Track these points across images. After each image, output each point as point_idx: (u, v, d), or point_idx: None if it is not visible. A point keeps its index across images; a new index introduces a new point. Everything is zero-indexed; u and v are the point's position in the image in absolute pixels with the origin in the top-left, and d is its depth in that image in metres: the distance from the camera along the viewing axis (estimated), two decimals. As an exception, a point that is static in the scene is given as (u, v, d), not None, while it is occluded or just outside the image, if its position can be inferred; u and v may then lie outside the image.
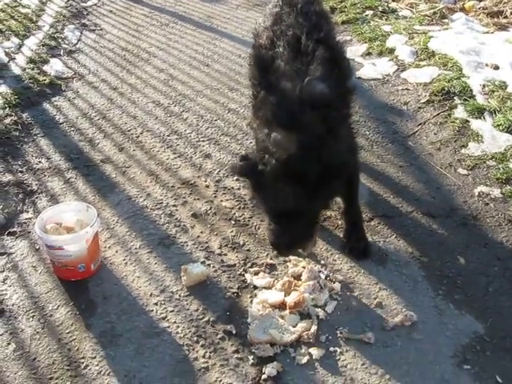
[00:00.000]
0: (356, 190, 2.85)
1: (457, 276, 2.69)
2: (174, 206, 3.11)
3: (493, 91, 4.06)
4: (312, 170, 2.21)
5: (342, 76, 2.75)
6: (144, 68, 4.81)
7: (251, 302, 2.50)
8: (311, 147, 2.26)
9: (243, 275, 2.65)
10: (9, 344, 2.32)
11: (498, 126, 3.71)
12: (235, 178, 3.14)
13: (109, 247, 2.83)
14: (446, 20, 5.46)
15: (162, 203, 3.13)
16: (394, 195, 3.21)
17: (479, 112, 3.88)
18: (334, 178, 2.31)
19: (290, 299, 2.45)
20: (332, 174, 2.27)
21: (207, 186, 3.27)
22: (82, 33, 5.65)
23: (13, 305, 2.51)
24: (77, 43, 5.36)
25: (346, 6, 6.04)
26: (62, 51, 5.12)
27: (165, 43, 5.35)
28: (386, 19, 5.66)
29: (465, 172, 3.41)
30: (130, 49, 5.23)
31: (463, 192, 3.25)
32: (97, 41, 5.46)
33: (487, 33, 5.05)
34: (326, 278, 2.62)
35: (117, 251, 2.81)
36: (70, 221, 2.71)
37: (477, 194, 3.23)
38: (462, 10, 5.74)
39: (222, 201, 3.14)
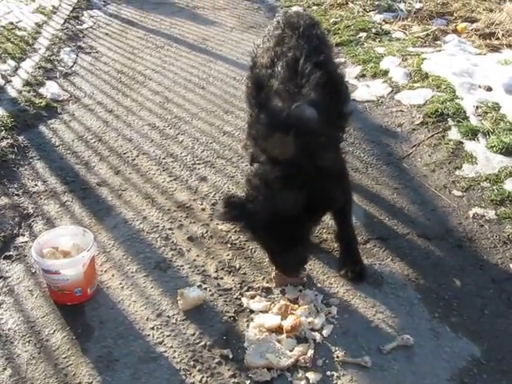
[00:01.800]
0: (348, 214, 2.87)
1: (453, 298, 2.69)
2: (170, 229, 3.11)
3: (486, 113, 4.11)
4: (295, 206, 2.24)
5: (338, 101, 2.79)
6: (139, 90, 4.84)
7: (248, 326, 2.49)
8: (294, 179, 2.30)
9: (240, 299, 2.65)
10: (5, 369, 2.31)
11: (492, 147, 3.74)
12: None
13: (105, 271, 2.83)
14: (438, 42, 5.53)
15: (158, 226, 3.13)
16: (390, 217, 3.22)
17: (473, 134, 3.91)
18: (320, 210, 2.36)
19: (287, 323, 2.44)
20: (318, 206, 2.30)
21: (203, 209, 3.27)
22: (77, 55, 5.68)
23: (9, 329, 2.49)
24: (73, 66, 5.40)
25: (339, 28, 6.11)
26: (57, 74, 5.14)
27: (160, 66, 5.40)
28: (379, 41, 5.73)
29: (459, 194, 3.43)
30: (125, 71, 5.26)
31: (458, 214, 3.27)
32: (92, 63, 5.49)
33: (480, 54, 5.11)
34: (322, 302, 2.62)
35: (113, 275, 2.80)
36: (66, 245, 2.71)
37: (471, 215, 3.25)
38: (455, 31, 5.81)
39: (217, 224, 3.14)
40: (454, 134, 3.97)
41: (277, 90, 2.56)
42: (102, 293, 2.70)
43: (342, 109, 2.86)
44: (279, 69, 2.67)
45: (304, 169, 2.36)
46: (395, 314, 2.58)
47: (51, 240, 2.69)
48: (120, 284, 2.75)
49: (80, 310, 2.60)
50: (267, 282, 2.72)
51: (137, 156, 3.83)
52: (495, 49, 5.26)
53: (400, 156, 3.85)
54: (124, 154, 3.86)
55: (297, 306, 2.57)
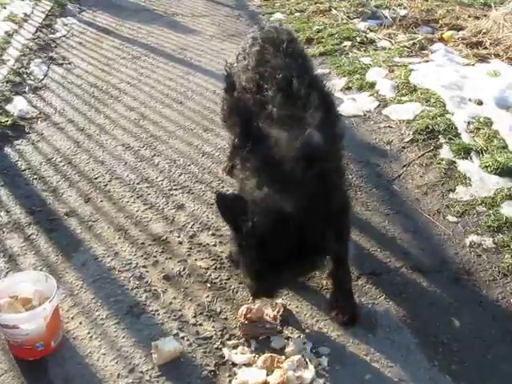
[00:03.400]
0: (346, 249, 2.64)
1: (452, 342, 2.48)
2: (143, 266, 2.86)
3: (478, 129, 3.92)
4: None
5: (333, 121, 2.58)
6: (113, 106, 4.56)
7: (230, 382, 2.25)
8: (307, 207, 2.07)
9: (220, 349, 2.41)
10: None
11: (486, 167, 3.54)
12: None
13: (72, 318, 2.57)
14: (425, 51, 5.33)
15: (130, 263, 2.87)
16: (382, 248, 3.00)
17: (465, 152, 3.72)
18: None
19: (273, 379, 2.21)
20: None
21: (180, 243, 3.02)
22: (49, 67, 5.39)
23: (-39, 393, 2.22)
24: (43, 79, 5.10)
25: (323, 37, 5.89)
26: (27, 88, 4.86)
27: (136, 78, 5.12)
28: (364, 50, 5.52)
29: (454, 219, 3.22)
30: (99, 85, 4.98)
31: (454, 242, 3.06)
32: (64, 76, 5.20)
33: (468, 65, 4.92)
34: (311, 351, 2.38)
35: (81, 322, 2.54)
36: (27, 291, 2.44)
37: (468, 244, 3.04)
38: (441, 40, 5.62)
39: (196, 260, 2.90)
40: (445, 153, 3.76)
41: (278, 117, 2.32)
42: (67, 345, 2.44)
43: (335, 130, 2.65)
44: (271, 93, 2.44)
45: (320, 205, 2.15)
46: (391, 363, 2.36)
47: (10, 287, 2.43)
48: (88, 333, 2.49)
49: (43, 365, 2.34)
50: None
51: (109, 181, 3.56)
52: (483, 59, 5.08)
53: (390, 177, 3.63)
54: (95, 178, 3.59)
55: (283, 357, 2.33)
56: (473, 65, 4.94)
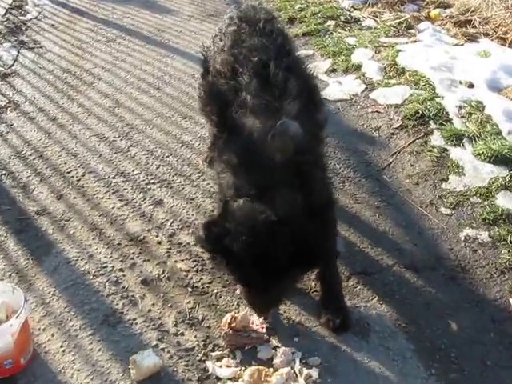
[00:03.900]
0: (334, 248, 2.47)
1: (450, 347, 2.34)
2: (120, 270, 2.67)
3: (470, 113, 3.75)
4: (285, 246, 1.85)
5: (314, 108, 2.39)
6: (87, 93, 4.32)
7: (214, 399, 2.09)
8: (289, 221, 1.90)
9: (204, 361, 2.24)
10: None
11: (479, 155, 3.39)
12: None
13: (43, 329, 2.38)
14: (412, 30, 5.13)
15: (106, 267, 2.68)
16: (373, 245, 2.84)
17: (457, 138, 3.55)
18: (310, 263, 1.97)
19: (261, 396, 2.04)
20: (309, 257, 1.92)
21: (159, 243, 2.83)
22: (19, 52, 5.10)
23: None
24: (13, 64, 4.82)
25: (305, 16, 5.65)
26: (-5, 74, 4.57)
27: (111, 63, 4.86)
28: (349, 30, 5.31)
29: (448, 212, 3.07)
30: (72, 70, 4.72)
31: (448, 236, 2.91)
32: (35, 61, 4.92)
33: (457, 45, 4.74)
34: (301, 362, 2.22)
35: (53, 335, 2.36)
36: (-8, 304, 2.24)
37: (463, 238, 2.90)
38: (428, 18, 5.43)
39: (176, 261, 2.72)
40: (437, 140, 3.59)
41: (252, 106, 2.13)
42: (39, 360, 2.25)
43: (318, 117, 2.46)
44: (246, 78, 2.24)
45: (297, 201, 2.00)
46: (386, 373, 2.22)
47: (-27, 300, 2.22)
48: (61, 347, 2.31)
49: (12, 384, 2.15)
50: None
51: (82, 175, 3.34)
52: (472, 38, 4.90)
53: (379, 166, 3.46)
54: (68, 173, 3.37)
55: (271, 370, 2.17)
56: (462, 45, 4.76)
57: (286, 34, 2.75)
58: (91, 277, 2.63)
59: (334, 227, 2.43)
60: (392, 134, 3.75)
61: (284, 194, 1.96)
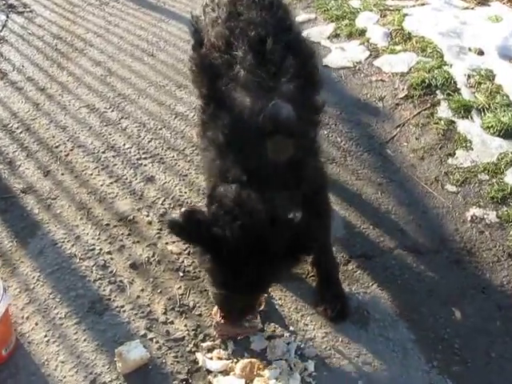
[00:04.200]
0: (329, 233, 2.33)
1: (453, 337, 2.23)
2: (108, 252, 2.55)
3: (479, 83, 3.55)
4: (280, 245, 1.71)
5: (312, 89, 2.22)
6: (78, 61, 4.12)
7: (204, 393, 1.99)
8: (281, 206, 1.76)
9: (194, 353, 2.13)
10: None
11: (488, 128, 3.21)
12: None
13: (27, 317, 2.27)
14: (420, -8, 4.85)
15: (93, 249, 2.56)
16: (374, 225, 2.70)
17: (466, 110, 3.36)
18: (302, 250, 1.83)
19: (253, 392, 1.94)
20: (301, 245, 1.78)
21: (149, 223, 2.70)
22: (8, 16, 4.88)
23: None
24: (1, 30, 4.61)
25: (308, -23, 5.36)
26: (-18, 41, 4.37)
27: (103, 28, 4.64)
28: (353, -9, 5.02)
29: (454, 189, 2.92)
30: (62, 36, 4.50)
31: (454, 216, 2.77)
32: (25, 26, 4.71)
33: (467, 8, 4.48)
34: (296, 353, 2.11)
35: (37, 323, 2.25)
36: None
37: (469, 218, 2.75)
38: (437, -22, 5.12)
39: (167, 243, 2.59)
40: (443, 111, 3.41)
41: (244, 81, 1.96)
42: (22, 351, 2.16)
43: (315, 99, 2.29)
44: (241, 53, 2.06)
45: (290, 188, 1.87)
46: (386, 365, 2.11)
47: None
48: (45, 336, 2.20)
49: (-7, 377, 2.06)
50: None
51: (71, 150, 3.19)
52: (483, 1, 4.62)
53: (383, 139, 3.29)
54: (56, 147, 3.22)
55: (264, 363, 2.06)
56: (472, 8, 4.51)
57: (287, 7, 2.53)
58: (78, 260, 2.51)
59: (328, 213, 2.29)
60: (397, 104, 3.57)
61: (274, 181, 1.81)
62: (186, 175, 2.99)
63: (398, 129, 3.37)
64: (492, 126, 3.20)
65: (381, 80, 3.80)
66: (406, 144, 3.25)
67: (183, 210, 1.88)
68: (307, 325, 2.24)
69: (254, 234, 1.76)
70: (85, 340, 2.18)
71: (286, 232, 1.78)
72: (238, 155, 1.88)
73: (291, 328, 2.22)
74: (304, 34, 2.39)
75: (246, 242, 1.76)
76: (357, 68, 3.96)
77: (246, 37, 2.09)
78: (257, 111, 1.86)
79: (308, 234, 1.83)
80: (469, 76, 3.61)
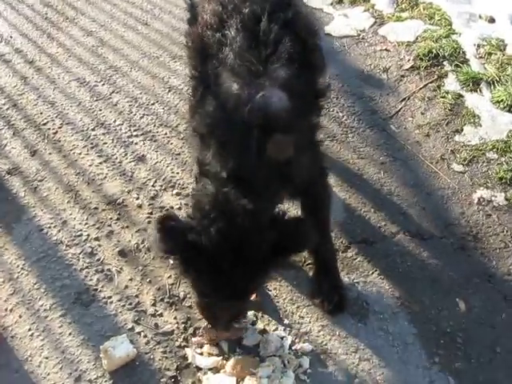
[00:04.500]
0: (327, 220, 2.20)
1: (457, 331, 2.12)
2: (96, 239, 2.44)
3: (489, 54, 3.36)
4: (260, 249, 1.58)
5: (314, 74, 2.04)
6: (69, 31, 3.93)
7: (193, 392, 1.90)
8: (263, 210, 1.62)
9: (183, 348, 2.03)
10: None
11: (498, 102, 3.04)
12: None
13: (11, 309, 2.18)
14: (429, -47, 4.59)
15: (81, 236, 2.45)
16: (376, 208, 2.57)
17: (474, 83, 3.19)
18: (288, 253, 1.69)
19: (244, 392, 1.85)
20: (287, 248, 1.64)
21: (139, 206, 2.58)
22: (-4, -18, 4.65)
23: None
24: (-11, -3, 4.40)
25: None
26: (-31, 8, 4.18)
27: (96, -6, 4.41)
28: (358, -47, 4.76)
29: (460, 168, 2.77)
30: (53, 4, 4.29)
31: (459, 198, 2.63)
32: (14, -7, 4.49)
33: (478, -29, 4.23)
34: (290, 349, 2.01)
35: (21, 316, 2.16)
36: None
37: (476, 200, 2.62)
38: None
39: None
40: (451, 84, 3.23)
41: (232, 65, 1.79)
42: (4, 347, 2.07)
43: (318, 84, 2.12)
44: (232, 32, 1.87)
45: (274, 188, 1.71)
46: (384, 362, 2.01)
47: None
48: (29, 330, 2.12)
49: (-27, 373, 1.97)
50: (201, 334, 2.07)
51: (59, 127, 3.05)
52: (496, -38, 4.36)
53: (386, 114, 3.13)
54: (44, 124, 3.08)
55: (257, 360, 1.96)
56: (484, -30, 4.25)
57: None
58: (64, 247, 2.40)
59: (327, 202, 2.14)
60: (402, 76, 3.38)
61: (258, 179, 1.66)
62: (178, 154, 2.85)
63: (403, 103, 3.20)
64: (502, 100, 3.04)
65: (385, 50, 3.61)
66: (411, 119, 3.09)
67: (157, 219, 1.73)
68: (303, 317, 2.14)
69: (233, 239, 1.61)
70: (70, 334, 2.09)
71: (268, 235, 1.64)
72: (220, 149, 1.73)
73: (286, 321, 2.12)
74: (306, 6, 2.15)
75: (224, 248, 1.62)
76: (360, 37, 3.76)
77: (239, 14, 1.91)
78: (243, 100, 1.70)
79: (298, 234, 1.69)
80: (478, 46, 3.42)
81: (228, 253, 1.59)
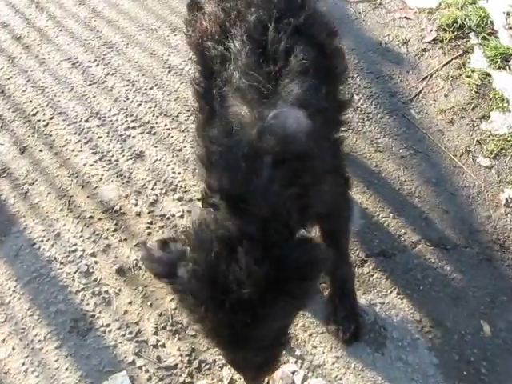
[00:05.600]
0: (346, 239, 2.01)
1: (481, 360, 1.96)
2: (92, 255, 2.27)
3: (521, 23, 3.03)
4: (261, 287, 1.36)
5: (334, 83, 1.79)
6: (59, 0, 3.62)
7: None
8: (267, 242, 1.41)
9: (187, 384, 1.89)
10: None
11: (530, 83, 2.75)
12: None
13: (3, 340, 2.06)
14: None
15: (75, 251, 2.28)
16: (395, 213, 2.37)
17: (504, 59, 2.90)
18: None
19: None
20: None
21: (138, 214, 2.39)
22: None
23: None
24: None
25: None
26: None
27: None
28: None
29: (487, 163, 2.54)
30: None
31: (486, 198, 2.41)
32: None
33: None
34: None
35: (14, 348, 2.03)
36: None
37: (504, 201, 2.40)
38: None
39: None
40: (477, 60, 2.94)
41: (238, 86, 1.55)
42: (-4, 383, 1.93)
43: (340, 95, 1.87)
44: (237, 45, 1.61)
45: (289, 221, 1.48)
46: (404, 399, 1.85)
47: None
48: (23, 364, 1.99)
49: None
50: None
51: (50, 119, 2.83)
52: None
53: (406, 97, 2.86)
54: (34, 115, 2.86)
55: (266, 401, 1.81)
56: None
57: None
58: (58, 265, 2.24)
59: (346, 225, 1.93)
60: (423, 50, 3.08)
61: (270, 213, 1.44)
62: (179, 150, 2.64)
63: (425, 82, 2.92)
64: (535, 80, 2.74)
65: (405, 18, 3.29)
66: (433, 102, 2.82)
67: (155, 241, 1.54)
68: (316, 347, 1.98)
69: (231, 277, 1.41)
70: (67, 369, 1.96)
71: (277, 274, 1.42)
72: (226, 179, 1.51)
73: (297, 352, 1.96)
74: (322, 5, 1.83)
75: (226, 283, 1.41)
76: (378, 2, 3.42)
77: (244, 23, 1.64)
78: (252, 124, 1.47)
79: (306, 260, 1.47)
80: (508, 14, 3.08)
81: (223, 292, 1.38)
